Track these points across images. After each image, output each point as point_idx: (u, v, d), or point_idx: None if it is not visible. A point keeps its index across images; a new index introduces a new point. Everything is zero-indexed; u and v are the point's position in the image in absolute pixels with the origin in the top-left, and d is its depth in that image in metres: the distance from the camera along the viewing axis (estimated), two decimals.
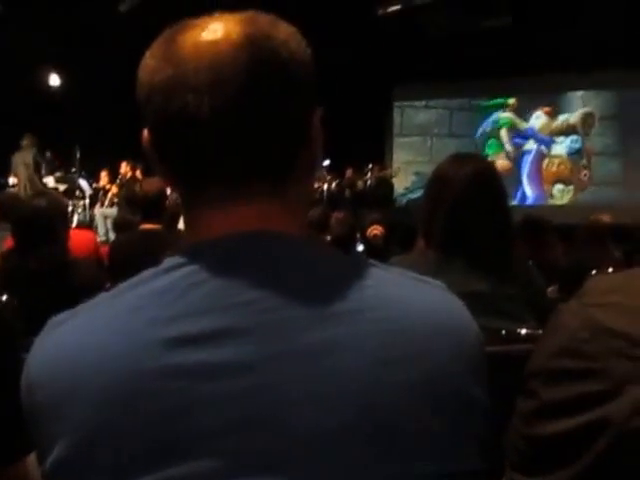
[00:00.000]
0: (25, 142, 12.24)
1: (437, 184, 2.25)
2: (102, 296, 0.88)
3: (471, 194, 2.16)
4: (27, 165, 12.08)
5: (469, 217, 2.14)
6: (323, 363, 0.77)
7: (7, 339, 1.57)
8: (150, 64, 0.87)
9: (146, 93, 0.86)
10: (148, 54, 0.88)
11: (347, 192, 14.23)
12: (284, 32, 0.88)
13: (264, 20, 0.89)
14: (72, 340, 0.83)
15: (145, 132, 0.91)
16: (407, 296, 0.86)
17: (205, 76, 0.82)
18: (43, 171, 12.67)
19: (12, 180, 13.06)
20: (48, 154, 13.19)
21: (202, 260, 0.83)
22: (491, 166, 2.31)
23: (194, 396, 0.76)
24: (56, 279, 3.14)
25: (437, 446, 0.80)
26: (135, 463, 0.75)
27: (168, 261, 0.86)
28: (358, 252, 5.92)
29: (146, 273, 0.86)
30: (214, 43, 0.84)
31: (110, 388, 0.77)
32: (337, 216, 6.72)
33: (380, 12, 12.62)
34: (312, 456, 0.75)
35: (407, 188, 15.89)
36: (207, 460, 0.75)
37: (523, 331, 1.87)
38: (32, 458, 1.34)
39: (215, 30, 0.86)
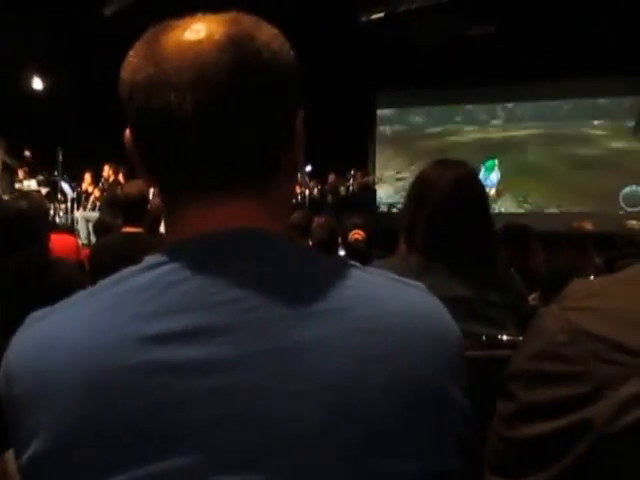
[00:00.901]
0: None
1: (419, 188, 2.25)
2: (81, 293, 0.87)
3: (453, 199, 2.16)
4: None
5: (451, 222, 2.14)
6: (304, 361, 0.78)
7: None
8: (132, 63, 0.87)
9: (128, 92, 0.86)
10: (131, 53, 0.89)
11: (329, 197, 14.26)
12: (267, 33, 0.88)
13: (247, 21, 0.89)
14: (50, 335, 0.83)
15: (127, 132, 0.91)
16: (387, 296, 0.87)
17: (187, 75, 0.82)
18: (21, 173, 12.60)
19: None
20: (27, 153, 13.09)
21: (183, 258, 0.83)
22: (473, 171, 2.31)
23: (173, 393, 0.76)
24: (37, 279, 3.12)
25: (416, 445, 0.80)
26: (113, 459, 0.75)
27: (148, 259, 0.86)
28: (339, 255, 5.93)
29: (126, 271, 0.86)
30: (197, 42, 0.85)
31: (88, 383, 0.77)
32: (319, 221, 6.73)
33: (364, 19, 12.65)
34: (294, 453, 0.75)
35: (389, 195, 15.94)
36: (187, 457, 0.74)
37: (504, 337, 1.87)
38: (10, 455, 1.33)
39: (198, 30, 0.86)
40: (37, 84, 15.01)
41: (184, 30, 0.86)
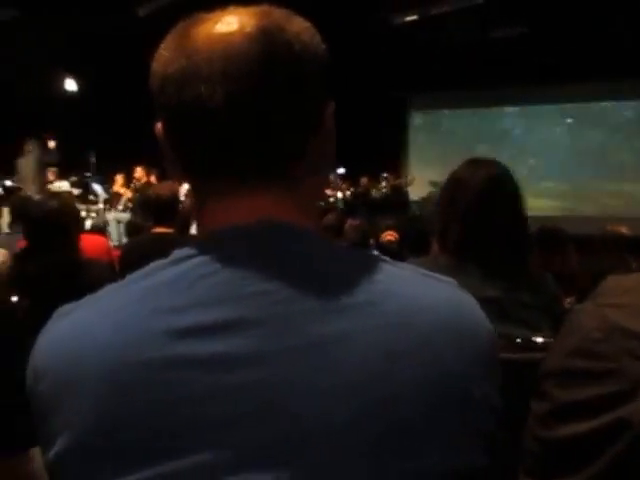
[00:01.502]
0: (27, 147, 12.33)
1: (452, 188, 2.23)
2: (109, 287, 0.87)
3: (486, 199, 2.14)
4: (28, 170, 12.17)
5: (483, 222, 2.12)
6: (333, 356, 0.76)
7: (19, 340, 1.57)
8: (163, 55, 0.87)
9: (159, 84, 0.86)
10: (162, 46, 0.89)
11: (362, 200, 14.27)
12: (298, 25, 0.88)
13: (278, 13, 0.89)
14: (76, 330, 0.82)
15: (158, 124, 0.91)
16: (416, 291, 0.85)
17: (218, 66, 0.82)
18: (50, 175, 12.71)
19: (12, 183, 13.16)
20: (52, 144, 13.16)
21: (212, 251, 0.83)
22: (507, 171, 2.28)
23: (200, 388, 0.75)
24: (67, 279, 3.14)
25: (441, 442, 0.78)
26: (140, 454, 0.75)
27: (177, 252, 0.86)
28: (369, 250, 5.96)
29: (155, 264, 0.86)
30: (228, 34, 0.84)
31: (114, 379, 0.76)
32: (351, 222, 6.74)
33: (397, 21, 12.68)
34: (317, 450, 0.74)
35: (422, 197, 15.93)
36: (214, 452, 0.74)
37: (539, 339, 1.84)
38: (36, 451, 1.33)
39: (229, 22, 0.86)
40: (70, 85, 15.15)
41: (215, 23, 0.86)
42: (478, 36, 13.35)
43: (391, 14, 12.55)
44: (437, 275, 0.91)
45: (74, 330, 0.83)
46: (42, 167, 12.37)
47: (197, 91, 0.82)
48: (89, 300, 0.87)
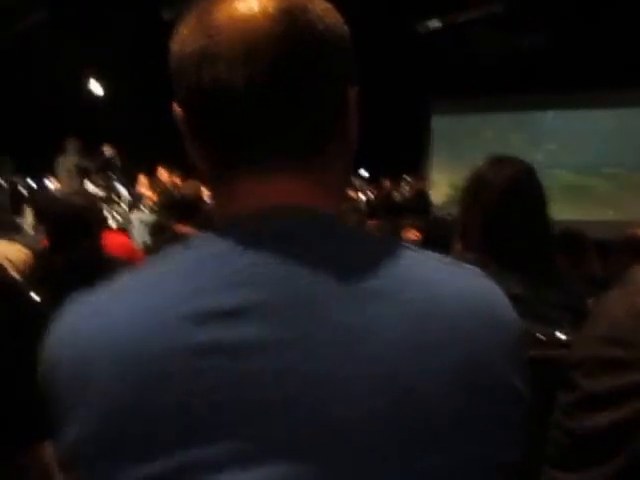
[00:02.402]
0: (68, 146, 12.36)
1: (475, 186, 2.22)
2: (127, 272, 0.85)
3: (509, 197, 2.12)
4: (69, 170, 12.18)
5: (507, 220, 2.11)
6: (354, 345, 0.74)
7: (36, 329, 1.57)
8: (183, 34, 0.85)
9: (178, 63, 0.85)
10: (182, 24, 0.87)
11: (387, 201, 14.25)
12: (320, 6, 0.86)
13: None
14: (91, 317, 0.80)
15: (175, 106, 0.89)
16: (442, 278, 0.83)
17: (239, 46, 0.80)
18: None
19: (52, 184, 13.19)
20: (107, 150, 13.16)
21: (232, 235, 0.81)
22: (531, 169, 2.26)
23: (223, 374, 0.73)
24: (89, 276, 3.11)
25: (476, 434, 0.76)
26: (160, 444, 0.73)
27: (195, 237, 0.84)
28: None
29: (174, 249, 0.84)
30: (249, 15, 0.82)
31: (132, 366, 0.74)
32: (372, 223, 6.70)
33: (420, 29, 12.70)
34: (343, 442, 0.72)
35: (443, 200, 15.88)
36: (238, 441, 0.72)
37: (562, 336, 1.82)
38: (49, 444, 1.32)
39: (251, 3, 0.83)
40: (95, 87, 15.21)
41: (237, 2, 0.84)
42: (500, 43, 13.36)
43: (414, 21, 12.57)
44: (462, 263, 0.89)
45: (90, 317, 0.80)
46: (80, 170, 12.39)
47: (217, 71, 0.80)
48: (105, 287, 0.84)
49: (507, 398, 0.80)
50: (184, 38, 0.85)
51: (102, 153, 12.68)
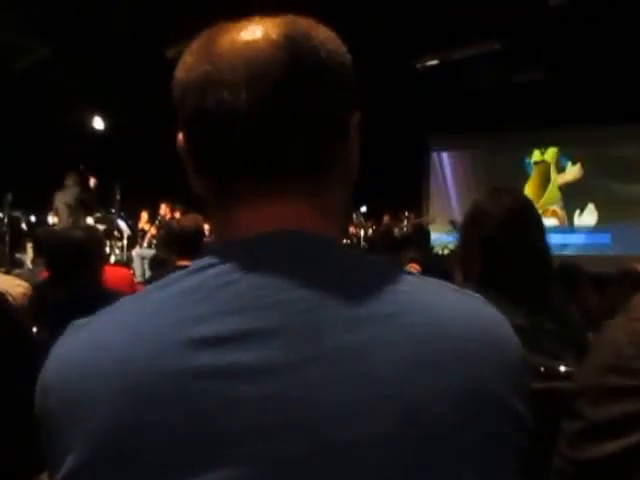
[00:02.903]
0: (68, 182, 12.38)
1: (474, 217, 2.23)
2: (127, 298, 0.85)
3: (508, 228, 2.13)
4: (68, 205, 12.19)
5: (506, 251, 2.12)
6: (356, 367, 0.74)
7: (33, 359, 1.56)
8: (187, 62, 0.87)
9: (182, 90, 0.86)
10: (186, 52, 0.88)
11: (387, 236, 14.26)
12: (323, 33, 0.88)
13: (303, 22, 0.88)
14: (90, 341, 0.80)
15: (179, 135, 0.90)
16: (443, 303, 0.83)
17: (242, 72, 0.81)
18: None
19: (52, 219, 13.20)
20: (92, 182, 13.17)
21: (233, 259, 0.81)
22: (529, 201, 2.28)
23: (223, 399, 0.72)
24: (89, 310, 3.11)
25: (479, 458, 0.76)
26: (160, 469, 0.72)
27: (196, 262, 0.83)
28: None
29: (174, 275, 0.83)
30: (253, 42, 0.84)
31: (129, 391, 0.73)
32: None
33: (418, 65, 12.81)
34: (344, 465, 0.71)
35: (443, 236, 15.92)
36: (233, 468, 0.71)
37: (562, 368, 1.82)
38: (44, 477, 1.32)
39: (254, 30, 0.85)
40: (98, 123, 15.30)
41: (239, 30, 0.86)
42: (497, 80, 13.48)
43: (412, 58, 12.68)
44: (464, 289, 0.89)
45: (88, 341, 0.80)
46: (78, 203, 12.40)
47: (220, 96, 0.81)
48: (104, 312, 0.84)
49: (509, 421, 0.80)
50: (188, 65, 0.86)
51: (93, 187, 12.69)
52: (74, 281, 3.19)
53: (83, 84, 13.12)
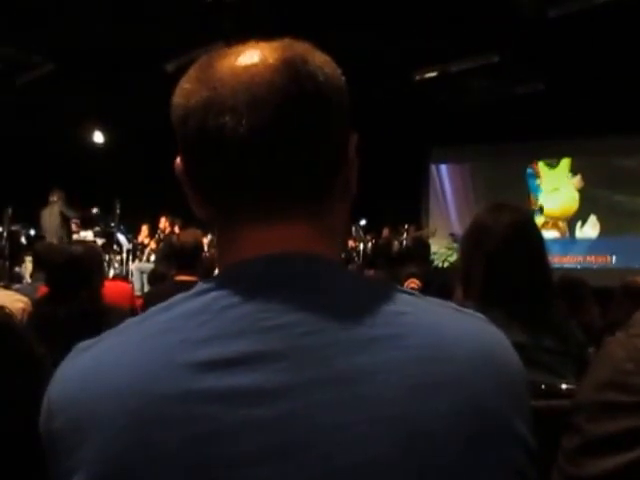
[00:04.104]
0: (52, 198, 12.42)
1: (475, 233, 2.24)
2: (130, 320, 0.86)
3: (509, 244, 2.14)
4: (52, 220, 12.25)
5: (507, 268, 2.12)
6: (357, 390, 0.74)
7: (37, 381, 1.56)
8: (186, 88, 0.87)
9: (182, 116, 0.86)
10: (184, 79, 0.89)
11: (386, 250, 14.27)
12: (320, 58, 0.89)
13: (300, 46, 0.89)
14: (95, 364, 0.80)
15: (178, 159, 0.90)
16: (446, 324, 0.83)
17: (243, 97, 0.82)
18: (73, 226, 12.78)
19: (37, 233, 13.24)
20: (94, 211, 13.20)
21: (235, 282, 0.82)
22: (529, 216, 2.29)
23: (225, 422, 0.72)
24: (89, 326, 3.11)
25: (477, 478, 0.75)
26: None
27: (200, 285, 0.84)
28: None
29: (177, 297, 0.84)
30: (251, 66, 0.85)
31: (133, 413, 0.74)
32: (368, 273, 6.68)
33: (417, 78, 12.86)
34: None
35: (443, 249, 15.96)
36: None
37: (563, 386, 1.82)
38: None
39: (252, 55, 0.86)
40: (98, 138, 15.34)
41: (237, 55, 0.86)
42: (496, 91, 13.53)
43: (412, 70, 12.73)
44: (466, 310, 0.89)
45: (93, 364, 0.81)
46: (65, 218, 12.44)
47: (222, 121, 0.82)
48: (109, 334, 0.85)
49: (510, 443, 0.79)
50: (187, 91, 0.86)
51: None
52: (74, 297, 3.19)
53: (83, 98, 13.15)
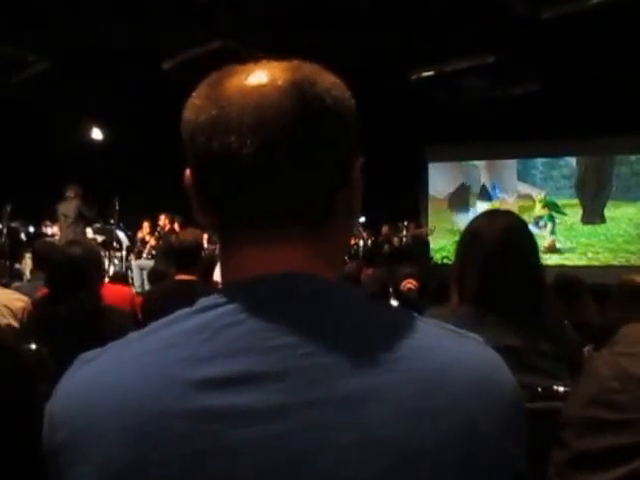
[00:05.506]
0: (69, 193, 12.31)
1: (469, 239, 2.26)
2: (133, 335, 0.86)
3: (502, 250, 2.16)
4: (67, 216, 12.13)
5: (501, 273, 2.14)
6: (356, 411, 0.76)
7: (27, 387, 1.56)
8: (195, 104, 0.88)
9: (190, 132, 0.87)
10: (194, 94, 0.89)
11: (386, 248, 14.26)
12: (329, 80, 0.89)
13: (309, 68, 0.89)
14: (97, 378, 0.81)
15: (187, 171, 0.91)
16: (444, 347, 0.84)
17: (249, 118, 0.83)
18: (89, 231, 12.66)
19: (51, 230, 13.18)
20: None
21: (237, 301, 0.82)
22: (522, 222, 2.31)
23: (226, 440, 0.74)
24: (87, 327, 3.13)
25: None
26: None
27: (203, 301, 0.85)
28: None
29: (180, 312, 0.85)
30: (260, 87, 0.85)
31: (134, 429, 0.75)
32: (367, 272, 6.67)
33: (414, 77, 12.85)
34: None
35: (442, 246, 15.97)
36: None
37: (560, 388, 1.83)
38: None
39: (261, 75, 0.86)
40: (96, 134, 15.30)
41: (247, 75, 0.87)
42: (492, 91, 13.54)
43: (408, 70, 12.72)
44: (464, 332, 0.90)
45: (95, 378, 0.82)
46: (78, 215, 12.30)
47: (227, 141, 0.82)
48: (111, 348, 0.86)
49: (500, 465, 0.81)
50: (196, 107, 0.87)
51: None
52: (73, 298, 3.19)
53: (81, 95, 13.14)
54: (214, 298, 0.84)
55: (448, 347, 0.85)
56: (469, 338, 0.89)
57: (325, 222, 0.88)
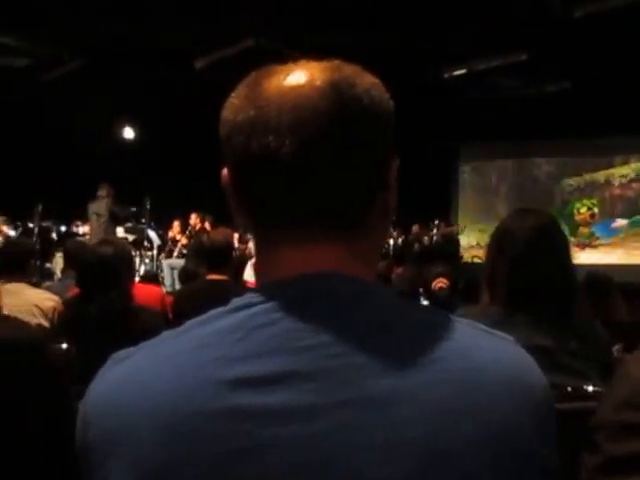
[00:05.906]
0: (100, 192, 12.37)
1: (500, 238, 2.25)
2: (167, 333, 0.87)
3: (533, 249, 2.14)
4: (99, 215, 12.20)
5: (532, 272, 2.13)
6: (388, 412, 0.75)
7: (54, 387, 1.57)
8: (234, 104, 0.88)
9: (228, 131, 0.87)
10: (233, 94, 0.89)
11: (416, 246, 14.23)
12: (368, 81, 0.88)
13: (348, 69, 0.89)
14: (130, 377, 0.82)
15: (224, 170, 0.91)
16: (480, 347, 0.84)
17: (287, 118, 0.82)
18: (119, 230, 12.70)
19: (83, 229, 13.27)
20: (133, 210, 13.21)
21: (272, 301, 0.82)
22: (554, 220, 2.29)
23: (257, 439, 0.74)
24: (118, 326, 3.14)
25: None
26: None
27: (237, 301, 0.85)
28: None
29: (214, 312, 0.85)
30: (298, 87, 0.85)
31: (167, 428, 0.76)
32: (397, 271, 6.66)
33: (446, 75, 12.81)
34: None
35: (472, 245, 15.90)
36: None
37: (590, 388, 1.82)
38: None
39: (299, 75, 0.86)
40: (128, 133, 15.38)
41: (286, 75, 0.87)
42: (524, 89, 13.47)
43: (441, 68, 12.68)
44: (496, 332, 0.90)
45: (129, 377, 0.82)
46: (109, 214, 12.35)
47: (265, 141, 0.82)
48: (145, 347, 0.86)
49: (538, 468, 0.81)
50: (235, 107, 0.87)
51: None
52: (104, 298, 3.20)
53: (114, 95, 13.22)
54: (248, 298, 0.84)
55: (483, 347, 0.85)
56: (501, 338, 0.89)
57: (362, 223, 0.88)
